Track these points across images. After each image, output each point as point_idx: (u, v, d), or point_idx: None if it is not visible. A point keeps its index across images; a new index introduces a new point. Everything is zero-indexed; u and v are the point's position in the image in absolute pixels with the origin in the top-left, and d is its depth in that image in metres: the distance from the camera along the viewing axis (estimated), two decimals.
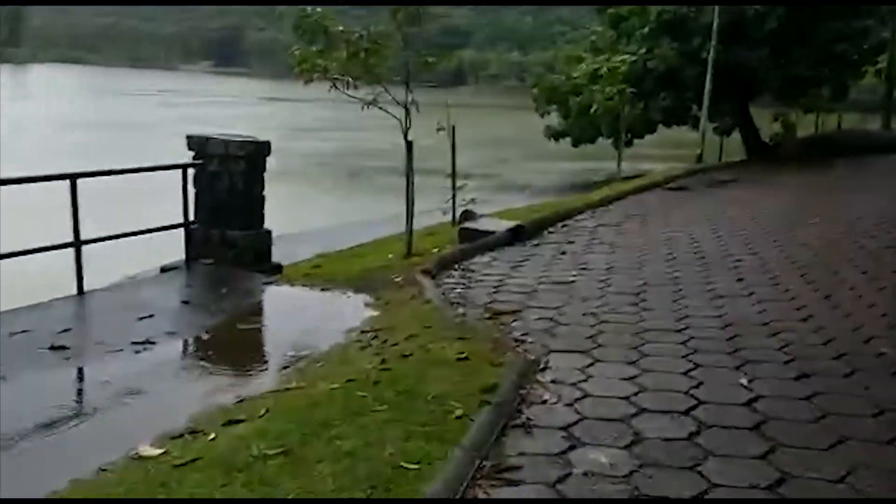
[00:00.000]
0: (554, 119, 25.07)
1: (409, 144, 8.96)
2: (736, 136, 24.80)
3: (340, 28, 8.64)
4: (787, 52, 20.68)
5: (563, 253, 8.49)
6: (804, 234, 9.40)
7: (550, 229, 10.04)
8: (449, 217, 10.98)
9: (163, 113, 43.18)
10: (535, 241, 9.15)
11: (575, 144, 25.52)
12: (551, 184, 25.51)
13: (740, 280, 7.12)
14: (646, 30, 20.93)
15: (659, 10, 20.89)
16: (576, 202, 12.42)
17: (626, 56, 18.19)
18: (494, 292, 6.69)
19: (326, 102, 11.98)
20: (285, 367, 5.27)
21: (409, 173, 8.99)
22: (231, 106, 51.09)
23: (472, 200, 11.02)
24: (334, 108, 19.63)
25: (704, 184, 15.37)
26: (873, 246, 8.69)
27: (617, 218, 11.01)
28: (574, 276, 7.34)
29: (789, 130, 24.23)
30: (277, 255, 8.76)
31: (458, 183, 11.20)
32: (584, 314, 5.96)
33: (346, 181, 26.11)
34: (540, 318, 5.83)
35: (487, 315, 5.97)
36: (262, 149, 8.61)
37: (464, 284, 7.02)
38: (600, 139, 23.09)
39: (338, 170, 28.11)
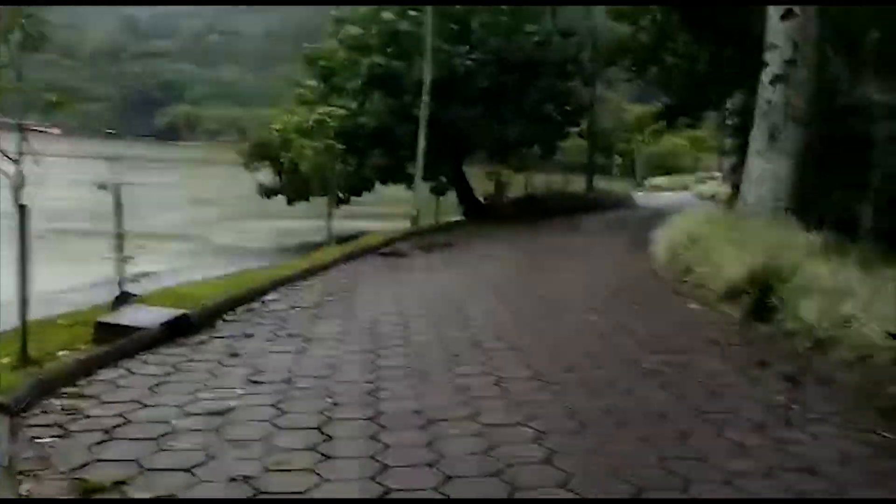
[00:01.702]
0: (267, 176, 23.02)
1: (22, 209, 6.35)
2: (453, 195, 24.40)
3: None
4: (498, 110, 20.55)
5: (235, 355, 6.30)
6: (530, 314, 8.16)
7: (229, 315, 7.82)
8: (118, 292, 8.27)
9: None
10: (203, 337, 6.87)
11: (289, 202, 23.56)
12: (263, 246, 23.21)
13: (465, 402, 5.11)
14: (357, 84, 19.71)
15: (370, 63, 19.78)
16: (272, 275, 10.31)
17: (332, 108, 16.65)
18: (105, 441, 4.35)
19: None
20: None
21: (23, 244, 6.35)
22: None
23: (146, 275, 8.44)
24: None
25: (420, 248, 14.08)
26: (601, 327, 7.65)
27: (317, 296, 9.07)
28: (238, 396, 5.19)
29: (502, 190, 24.29)
30: None
31: (140, 246, 8.48)
32: (231, 479, 3.84)
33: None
34: (155, 497, 3.62)
35: (71, 496, 3.65)
36: None
37: (61, 427, 4.58)
38: (315, 197, 21.35)
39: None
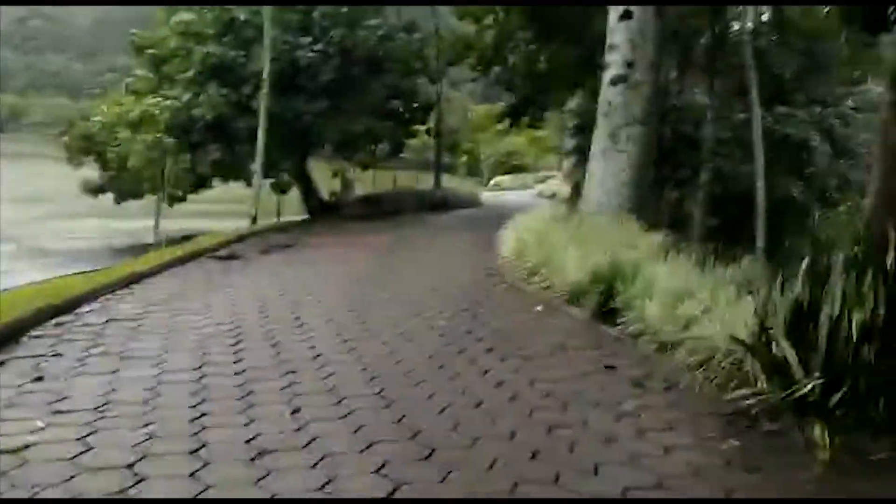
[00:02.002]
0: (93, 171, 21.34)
1: None
2: (297, 193, 23.60)
3: None
4: (344, 105, 20.00)
5: (39, 379, 5.48)
6: (376, 321, 7.72)
7: (35, 331, 6.89)
8: None
9: None
10: (2, 357, 5.99)
11: (118, 201, 21.95)
12: (89, 248, 21.43)
13: (301, 429, 4.56)
14: (190, 73, 18.51)
15: (204, 53, 18.64)
16: (91, 282, 9.31)
17: (162, 99, 15.50)
18: None
19: None
20: None
21: None
22: None
23: None
24: None
25: (259, 250, 13.33)
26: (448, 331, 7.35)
27: (139, 306, 8.22)
28: (38, 430, 4.44)
29: (348, 187, 23.76)
30: None
31: None
32: None
33: None
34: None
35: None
36: None
37: None
38: (150, 195, 19.95)
39: None
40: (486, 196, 28.56)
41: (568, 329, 7.39)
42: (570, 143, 26.91)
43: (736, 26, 17.40)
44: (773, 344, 4.99)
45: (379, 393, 5.27)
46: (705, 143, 16.18)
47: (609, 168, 11.29)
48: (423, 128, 24.80)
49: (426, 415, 4.84)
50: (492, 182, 41.24)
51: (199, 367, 5.86)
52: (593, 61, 18.40)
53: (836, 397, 4.50)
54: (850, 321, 4.68)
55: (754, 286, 6.17)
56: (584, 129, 21.60)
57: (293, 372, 5.79)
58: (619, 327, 7.04)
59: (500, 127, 37.62)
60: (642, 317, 6.78)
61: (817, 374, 4.68)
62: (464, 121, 47.89)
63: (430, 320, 7.56)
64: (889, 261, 4.66)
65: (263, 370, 5.85)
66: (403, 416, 4.79)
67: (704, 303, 6.46)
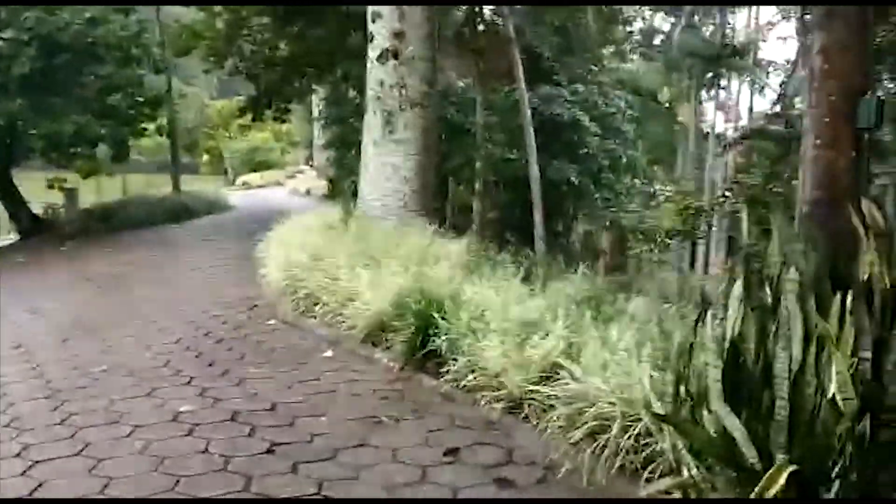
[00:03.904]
0: None
1: None
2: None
3: None
4: (48, 102, 16.36)
5: None
6: (83, 419, 5.17)
7: None
8: None
9: None
10: None
11: None
12: None
13: None
14: None
15: None
16: None
17: None
18: None
19: None
20: None
21: None
22: None
23: None
24: None
25: None
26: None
27: None
28: None
29: (70, 199, 19.84)
30: None
31: None
32: None
33: None
34: None
35: None
36: None
37: None
38: None
39: None
40: (236, 197, 25.61)
41: (376, 387, 5.40)
42: (323, 134, 24.93)
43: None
44: (704, 409, 3.39)
45: None
46: (475, 129, 14.94)
47: (387, 161, 9.42)
48: (152, 126, 21.36)
49: None
50: (239, 181, 37.97)
51: None
52: (344, 42, 16.53)
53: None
54: (819, 372, 3.18)
55: (650, 321, 4.60)
56: (340, 118, 19.74)
57: None
58: (445, 378, 5.19)
59: (242, 122, 34.67)
60: (477, 361, 4.98)
61: (782, 457, 3.13)
62: (203, 117, 43.84)
63: (168, 404, 5.08)
64: (879, 283, 3.17)
65: None
66: None
67: (560, 336, 4.81)
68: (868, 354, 3.11)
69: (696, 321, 3.67)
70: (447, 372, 5.18)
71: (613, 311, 5.36)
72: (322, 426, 4.67)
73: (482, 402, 4.75)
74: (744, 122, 29.23)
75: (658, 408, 3.56)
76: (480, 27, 16.01)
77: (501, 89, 16.25)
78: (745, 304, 3.43)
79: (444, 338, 5.35)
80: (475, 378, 4.91)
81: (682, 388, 3.54)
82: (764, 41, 32.41)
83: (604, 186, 15.80)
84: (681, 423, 3.41)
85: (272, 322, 7.54)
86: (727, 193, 9.56)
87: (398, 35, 9.38)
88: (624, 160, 16.34)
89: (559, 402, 4.16)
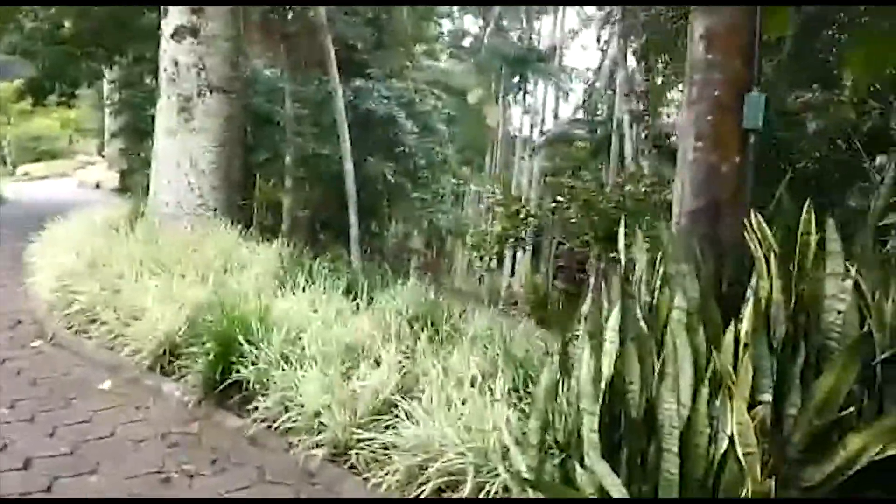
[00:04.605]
0: None
1: None
2: None
3: None
4: None
5: None
6: None
7: None
8: None
9: None
10: None
11: None
12: None
13: None
14: None
15: None
16: None
17: None
18: None
19: None
20: None
21: None
22: None
23: None
24: None
25: None
26: None
27: None
28: None
29: None
30: None
31: None
32: None
33: None
34: None
35: None
36: None
37: None
38: None
39: None
40: (14, 189, 22.56)
41: (164, 430, 4.37)
42: (114, 122, 22.62)
43: None
44: (577, 463, 2.79)
45: None
46: (285, 122, 13.89)
47: (184, 152, 8.23)
48: None
49: None
50: (20, 171, 33.95)
51: None
52: (138, 20, 14.86)
53: None
54: (712, 418, 2.66)
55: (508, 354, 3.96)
56: (132, 104, 17.86)
57: None
58: (254, 417, 4.28)
59: (22, 106, 31.03)
60: (293, 397, 4.13)
61: None
62: None
63: None
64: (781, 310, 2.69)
65: None
66: None
67: (392, 365, 4.08)
68: (768, 397, 2.63)
69: (563, 353, 3.08)
70: (255, 409, 4.28)
71: (451, 328, 4.70)
72: (91, 489, 3.62)
73: (299, 448, 3.91)
74: (549, 126, 30.08)
75: (521, 463, 2.91)
76: (289, 12, 14.97)
77: (313, 80, 15.29)
78: (621, 334, 2.87)
79: (250, 367, 4.44)
80: (290, 418, 4.06)
81: (549, 436, 2.94)
82: (567, 49, 33.55)
83: (421, 186, 15.29)
84: (549, 486, 2.78)
85: (37, 343, 6.19)
86: (559, 198, 9.31)
87: (196, 11, 8.22)
88: (441, 159, 15.93)
89: (396, 452, 3.42)
